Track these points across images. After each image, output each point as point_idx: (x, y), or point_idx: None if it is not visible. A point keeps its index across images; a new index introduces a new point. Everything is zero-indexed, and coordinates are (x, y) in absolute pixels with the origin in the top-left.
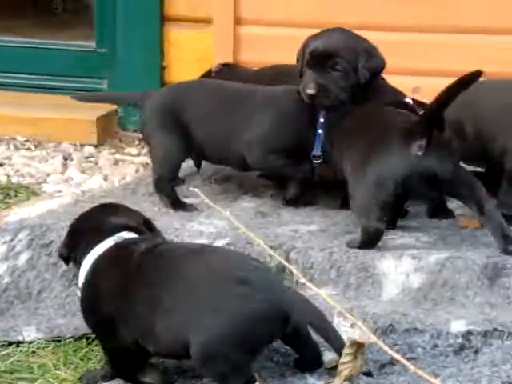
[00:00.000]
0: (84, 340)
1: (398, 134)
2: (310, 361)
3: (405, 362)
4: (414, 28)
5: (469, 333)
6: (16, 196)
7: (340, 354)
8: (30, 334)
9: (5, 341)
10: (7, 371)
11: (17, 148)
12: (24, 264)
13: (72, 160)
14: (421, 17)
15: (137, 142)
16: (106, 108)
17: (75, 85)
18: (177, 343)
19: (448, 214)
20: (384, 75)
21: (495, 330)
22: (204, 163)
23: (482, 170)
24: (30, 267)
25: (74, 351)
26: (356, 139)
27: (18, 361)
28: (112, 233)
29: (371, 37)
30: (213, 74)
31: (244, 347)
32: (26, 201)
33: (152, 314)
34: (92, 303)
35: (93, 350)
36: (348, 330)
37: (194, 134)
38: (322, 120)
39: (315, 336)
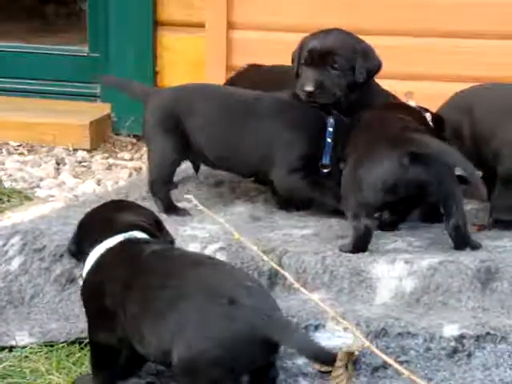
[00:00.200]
0: (77, 345)
1: (387, 140)
2: None
3: (398, 366)
4: (404, 32)
5: (462, 336)
6: (9, 201)
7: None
8: (22, 338)
9: None
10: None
11: (10, 153)
12: (17, 269)
13: (65, 165)
14: (411, 21)
15: (130, 147)
16: (98, 113)
17: (68, 89)
18: (161, 350)
19: (440, 217)
20: (376, 79)
21: (488, 333)
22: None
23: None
24: (23, 272)
25: (67, 356)
26: (355, 146)
27: (10, 366)
28: (121, 230)
29: None
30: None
31: (223, 366)
32: (19, 205)
33: (143, 315)
34: (92, 293)
35: (86, 355)
36: (342, 334)
37: (194, 139)
38: (330, 129)
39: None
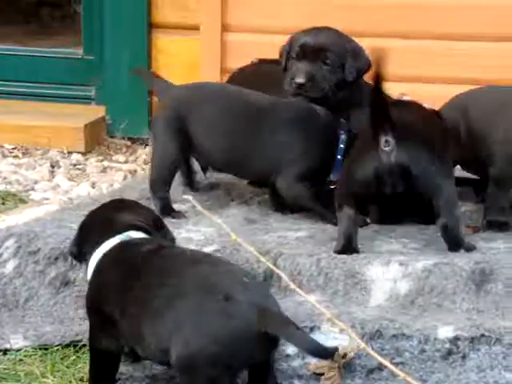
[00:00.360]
0: (71, 348)
1: (370, 131)
2: None
3: (393, 368)
4: (399, 34)
5: (456, 338)
6: (4, 204)
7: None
8: (17, 341)
9: None
10: None
11: (4, 155)
12: (11, 272)
13: (60, 167)
14: (406, 23)
15: (124, 150)
16: (93, 115)
17: (63, 92)
18: (160, 349)
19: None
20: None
21: (482, 335)
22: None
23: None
24: (17, 275)
25: (62, 359)
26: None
27: (4, 369)
28: (119, 231)
29: None
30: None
31: (221, 363)
32: (13, 208)
33: (142, 315)
34: (95, 298)
35: (80, 358)
36: (337, 336)
37: (197, 141)
38: (342, 146)
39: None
